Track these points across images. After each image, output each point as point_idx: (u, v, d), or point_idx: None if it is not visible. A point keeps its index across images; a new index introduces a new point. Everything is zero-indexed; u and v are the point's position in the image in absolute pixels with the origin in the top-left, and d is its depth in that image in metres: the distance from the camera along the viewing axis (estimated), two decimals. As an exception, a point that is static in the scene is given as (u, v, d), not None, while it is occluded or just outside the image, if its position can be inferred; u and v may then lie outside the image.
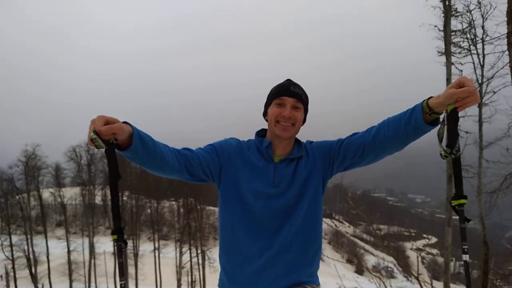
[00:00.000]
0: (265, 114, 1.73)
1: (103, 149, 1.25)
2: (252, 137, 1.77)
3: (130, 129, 1.31)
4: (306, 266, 1.66)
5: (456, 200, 1.35)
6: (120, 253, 1.29)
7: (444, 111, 1.34)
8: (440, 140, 1.35)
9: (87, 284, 32.02)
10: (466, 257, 1.29)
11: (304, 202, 1.64)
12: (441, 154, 1.36)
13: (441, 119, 1.38)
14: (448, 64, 8.40)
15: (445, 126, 1.34)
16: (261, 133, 1.76)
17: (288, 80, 1.71)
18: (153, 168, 1.46)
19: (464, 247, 1.30)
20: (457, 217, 1.34)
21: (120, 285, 1.29)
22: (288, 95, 1.62)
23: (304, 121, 1.72)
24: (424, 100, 1.41)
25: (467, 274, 1.34)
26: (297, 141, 1.73)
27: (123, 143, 1.32)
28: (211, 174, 1.65)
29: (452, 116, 1.31)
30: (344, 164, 1.68)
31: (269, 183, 1.64)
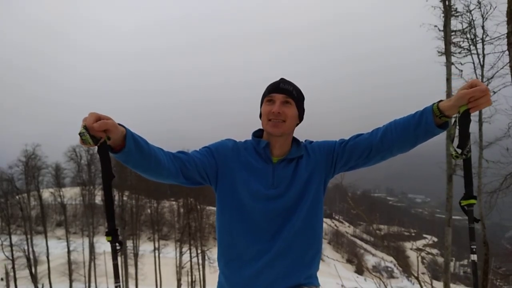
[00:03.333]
0: (260, 115, 1.70)
1: (93, 147, 1.22)
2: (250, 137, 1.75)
3: (124, 130, 1.27)
4: (306, 268, 1.64)
5: (466, 200, 1.36)
6: (115, 254, 1.27)
7: (457, 113, 1.34)
8: (452, 141, 1.36)
9: (87, 284, 32.00)
10: (474, 256, 1.29)
11: (304, 203, 1.61)
12: (451, 154, 1.36)
13: (452, 120, 1.39)
14: (448, 64, 8.40)
15: (456, 127, 1.34)
16: (258, 133, 1.72)
17: (280, 78, 1.67)
18: (148, 171, 1.43)
19: (472, 247, 1.30)
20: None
21: (115, 287, 1.27)
22: (277, 92, 1.60)
23: (301, 119, 1.67)
24: (434, 103, 1.41)
25: (474, 274, 1.34)
26: (296, 140, 1.70)
27: (116, 145, 1.28)
28: (208, 177, 1.62)
29: (464, 117, 1.31)
30: (349, 165, 1.66)
31: (268, 184, 1.61)
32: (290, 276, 1.60)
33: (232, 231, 1.63)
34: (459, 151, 1.32)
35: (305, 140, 1.75)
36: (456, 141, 1.36)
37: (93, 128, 1.17)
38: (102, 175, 1.27)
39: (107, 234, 1.28)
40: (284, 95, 1.59)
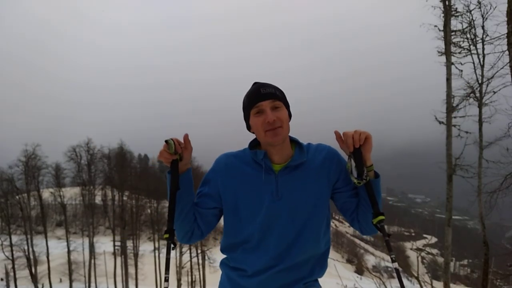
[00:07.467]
0: (248, 127, 1.61)
1: (169, 158, 1.52)
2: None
3: (190, 166, 1.61)
4: (307, 278, 1.60)
5: (376, 218, 1.51)
6: (169, 250, 1.52)
7: (349, 152, 1.53)
8: (351, 172, 1.53)
9: (87, 284, 32.01)
10: (395, 264, 1.48)
11: (314, 217, 1.56)
12: (354, 183, 1.54)
13: (348, 156, 1.56)
14: (448, 64, 8.40)
15: (352, 161, 1.52)
16: (255, 143, 1.65)
17: (256, 84, 1.58)
18: (182, 214, 1.62)
19: (392, 256, 1.48)
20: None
21: (165, 277, 1.50)
22: (262, 99, 1.50)
23: (290, 115, 1.59)
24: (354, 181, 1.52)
25: (400, 281, 1.49)
26: (298, 144, 1.61)
27: (180, 170, 1.56)
28: (221, 205, 1.65)
29: (355, 153, 1.51)
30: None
31: (272, 196, 1.54)
32: (293, 285, 1.57)
33: (238, 245, 1.61)
34: (360, 178, 1.50)
35: (318, 144, 1.66)
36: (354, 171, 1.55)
37: (177, 140, 1.52)
38: (170, 186, 1.55)
39: (165, 232, 1.53)
40: (270, 100, 1.50)
